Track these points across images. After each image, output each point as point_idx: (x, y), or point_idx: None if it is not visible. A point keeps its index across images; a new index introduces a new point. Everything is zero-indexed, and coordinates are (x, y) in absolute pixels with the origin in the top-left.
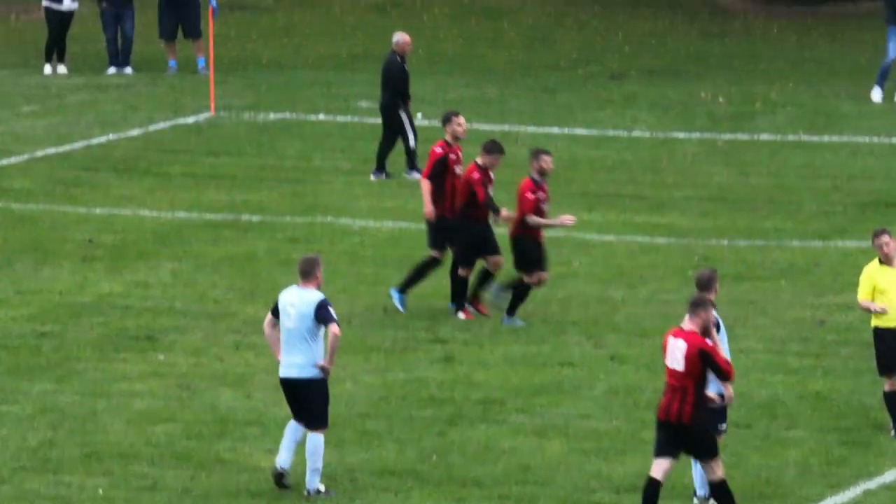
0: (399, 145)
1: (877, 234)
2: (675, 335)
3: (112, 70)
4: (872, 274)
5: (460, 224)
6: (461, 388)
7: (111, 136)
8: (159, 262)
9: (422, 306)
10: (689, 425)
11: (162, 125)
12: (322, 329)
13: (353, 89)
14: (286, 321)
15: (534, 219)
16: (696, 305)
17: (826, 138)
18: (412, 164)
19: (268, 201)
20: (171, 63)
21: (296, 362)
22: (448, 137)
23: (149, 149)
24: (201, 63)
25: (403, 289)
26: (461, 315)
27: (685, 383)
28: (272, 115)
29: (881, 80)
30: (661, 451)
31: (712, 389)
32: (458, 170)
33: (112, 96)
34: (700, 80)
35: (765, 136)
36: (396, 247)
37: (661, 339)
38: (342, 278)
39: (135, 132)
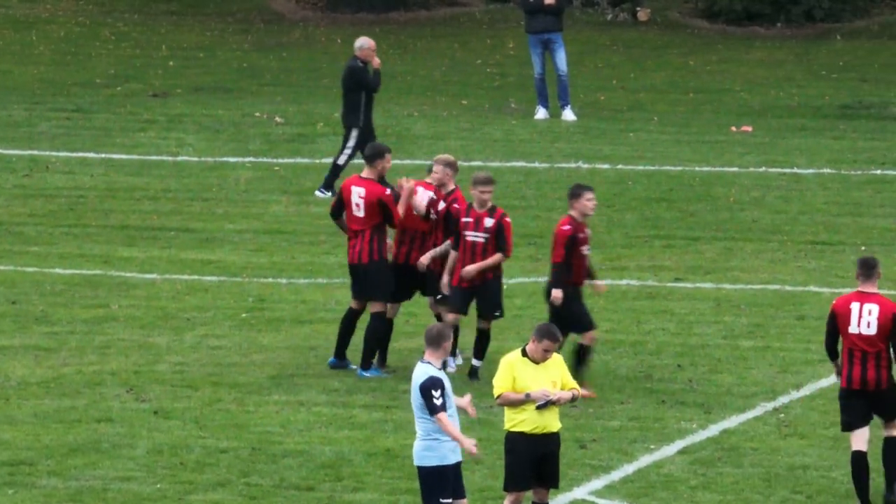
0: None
1: (542, 336)
2: (860, 300)
3: None
4: (514, 365)
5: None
6: None
7: None
8: None
9: None
10: (886, 390)
11: None
12: None
13: None
14: None
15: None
16: (872, 266)
17: (397, 161)
18: (328, 184)
19: None
20: None
21: None
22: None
23: None
24: None
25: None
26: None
27: (879, 347)
28: None
29: (542, 98)
30: (858, 422)
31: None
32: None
33: None
34: (255, 98)
35: (327, 161)
36: None
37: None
38: None
39: None
